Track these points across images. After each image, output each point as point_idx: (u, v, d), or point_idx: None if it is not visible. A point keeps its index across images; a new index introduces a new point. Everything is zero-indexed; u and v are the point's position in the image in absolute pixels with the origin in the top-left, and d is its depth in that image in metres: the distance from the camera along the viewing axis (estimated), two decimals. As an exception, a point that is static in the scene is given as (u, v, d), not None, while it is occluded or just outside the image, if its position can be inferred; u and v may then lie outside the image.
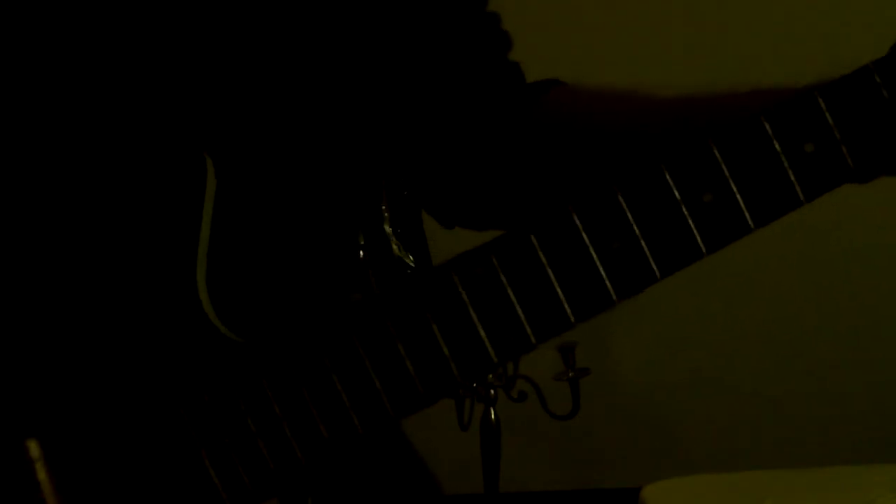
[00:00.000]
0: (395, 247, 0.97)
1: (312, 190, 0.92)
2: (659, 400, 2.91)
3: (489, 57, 1.02)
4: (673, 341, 2.89)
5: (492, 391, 2.34)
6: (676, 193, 0.76)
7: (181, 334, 0.81)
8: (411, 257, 0.96)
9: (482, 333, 0.77)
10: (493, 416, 2.36)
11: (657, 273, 0.77)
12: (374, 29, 0.95)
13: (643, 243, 0.76)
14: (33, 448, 0.81)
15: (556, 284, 0.76)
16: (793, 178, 0.76)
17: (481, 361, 0.78)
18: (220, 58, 0.89)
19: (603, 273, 0.77)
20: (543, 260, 0.76)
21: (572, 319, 0.78)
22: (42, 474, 0.80)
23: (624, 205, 0.76)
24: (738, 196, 0.76)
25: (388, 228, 0.96)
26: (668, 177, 0.75)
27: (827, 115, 0.75)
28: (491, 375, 2.32)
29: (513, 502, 2.71)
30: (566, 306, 0.77)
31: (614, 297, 0.77)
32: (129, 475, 0.80)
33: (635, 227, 0.76)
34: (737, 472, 2.20)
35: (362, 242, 0.94)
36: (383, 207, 0.97)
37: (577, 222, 0.76)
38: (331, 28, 0.93)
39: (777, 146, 0.75)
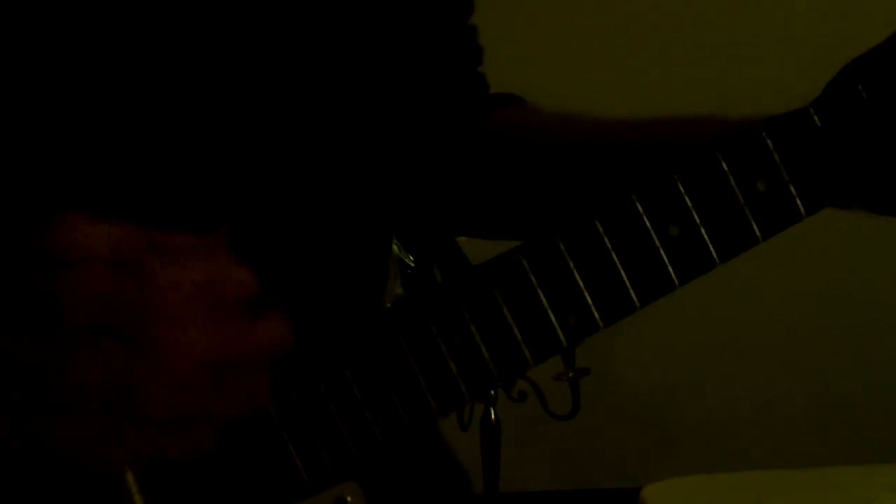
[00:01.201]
0: (395, 247, 0.97)
1: (341, 188, 0.93)
2: (659, 400, 2.92)
3: (454, 68, 1.03)
4: (673, 341, 2.89)
5: (492, 391, 2.34)
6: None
7: None
8: (411, 258, 0.97)
9: (551, 316, 0.79)
10: (493, 416, 2.36)
11: (716, 258, 0.79)
12: (351, 34, 0.96)
13: (702, 229, 0.79)
14: None
15: (620, 268, 0.78)
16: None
17: (552, 344, 0.80)
18: (232, 61, 0.90)
19: (665, 258, 0.79)
20: (608, 244, 0.78)
21: (637, 304, 0.79)
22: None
23: (684, 192, 0.78)
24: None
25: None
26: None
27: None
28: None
29: (513, 502, 2.71)
30: (630, 290, 0.79)
31: (676, 282, 0.80)
32: (214, 458, 0.80)
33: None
34: (737, 472, 2.20)
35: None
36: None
37: (640, 209, 0.79)
38: (326, 30, 0.93)
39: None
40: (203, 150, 0.87)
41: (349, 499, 0.82)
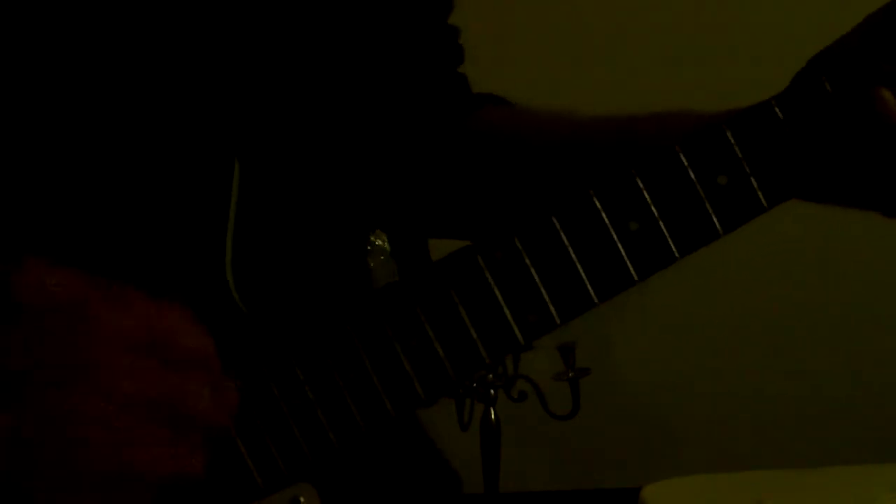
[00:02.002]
0: (378, 242, 0.97)
1: (328, 185, 0.93)
2: (659, 400, 2.91)
3: (436, 67, 1.03)
4: (673, 342, 2.88)
5: (491, 391, 2.34)
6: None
7: (214, 321, 0.81)
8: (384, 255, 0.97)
9: (508, 315, 0.79)
10: (493, 416, 2.35)
11: (676, 253, 0.78)
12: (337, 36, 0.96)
13: (661, 224, 0.79)
14: None
15: (578, 264, 0.78)
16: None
17: (508, 342, 0.80)
18: (227, 58, 0.90)
19: (623, 253, 0.79)
20: (565, 241, 0.78)
21: (595, 300, 0.78)
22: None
23: (642, 187, 0.78)
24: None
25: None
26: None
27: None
28: (491, 375, 2.32)
29: (513, 502, 2.71)
30: (588, 286, 0.78)
31: (635, 277, 0.79)
32: None
33: (653, 208, 0.78)
34: (737, 472, 2.20)
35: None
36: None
37: (598, 204, 0.79)
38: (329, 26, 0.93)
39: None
40: (182, 148, 0.87)
41: (303, 500, 0.81)
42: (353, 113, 0.95)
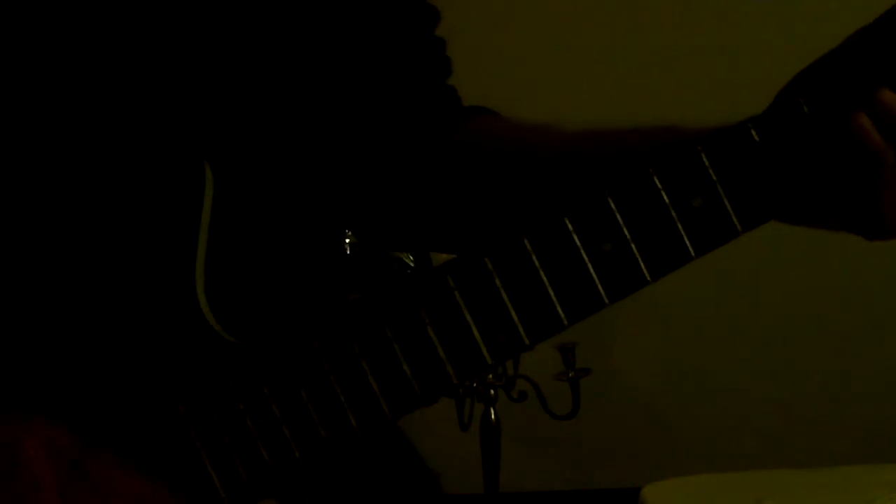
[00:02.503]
0: (405, 258, 0.97)
1: (308, 194, 0.93)
2: (659, 400, 2.92)
3: (422, 80, 1.03)
4: (673, 341, 2.89)
5: (492, 391, 2.34)
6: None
7: (179, 336, 0.81)
8: (411, 256, 0.97)
9: (476, 335, 0.78)
10: (493, 416, 2.36)
11: (647, 276, 0.78)
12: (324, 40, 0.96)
13: (633, 246, 0.78)
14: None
15: (548, 286, 0.77)
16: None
17: (476, 362, 0.79)
18: (217, 62, 0.90)
19: (594, 275, 0.78)
20: (536, 263, 0.77)
21: (565, 322, 0.78)
22: (42, 472, 0.81)
23: (614, 208, 0.78)
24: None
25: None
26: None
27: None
28: (491, 375, 2.32)
29: (513, 502, 2.71)
30: (559, 308, 0.78)
31: (606, 300, 0.78)
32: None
33: (626, 231, 0.77)
34: (737, 472, 2.20)
35: (354, 243, 0.95)
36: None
37: (569, 226, 0.78)
38: (319, 27, 0.93)
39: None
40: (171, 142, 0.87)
41: None
42: (335, 123, 0.95)
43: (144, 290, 0.82)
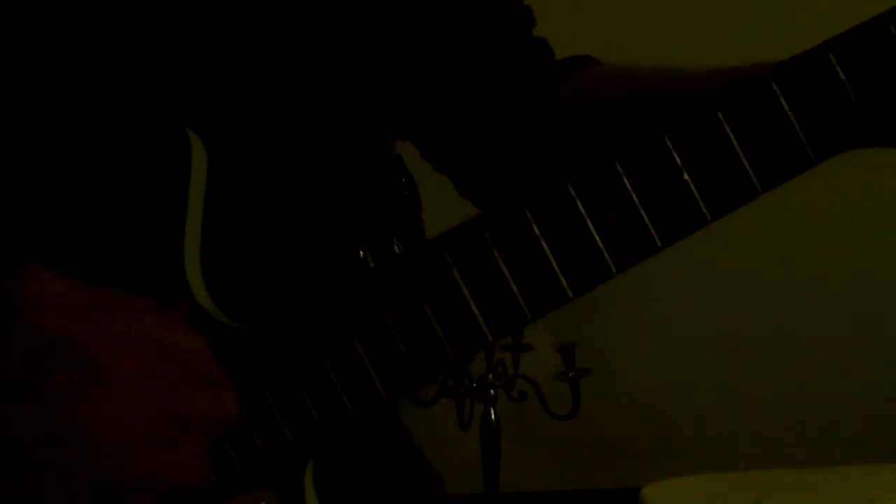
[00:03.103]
0: (395, 247, 0.96)
1: (309, 176, 0.92)
2: (659, 400, 2.91)
3: (510, 34, 1.00)
4: (673, 341, 2.89)
5: (492, 391, 2.34)
6: (678, 160, 0.73)
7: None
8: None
9: (475, 310, 0.76)
10: (493, 416, 2.36)
11: (658, 242, 0.74)
12: (385, 8, 0.94)
13: (643, 212, 0.74)
14: None
15: (550, 257, 0.75)
16: (802, 137, 0.72)
17: (475, 339, 0.77)
18: (215, 44, 0.89)
19: (600, 242, 0.74)
20: (537, 233, 0.75)
21: (570, 294, 0.76)
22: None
23: (622, 174, 0.74)
24: (744, 159, 0.73)
25: (388, 227, 0.96)
26: (668, 144, 0.73)
27: (838, 69, 0.72)
28: (491, 375, 2.32)
29: (513, 502, 2.71)
30: (562, 279, 0.76)
31: (613, 269, 0.75)
32: None
33: (634, 197, 0.74)
34: (737, 472, 2.20)
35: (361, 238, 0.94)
36: (384, 206, 0.97)
37: (573, 193, 0.74)
38: (337, 7, 0.92)
39: (786, 106, 0.72)
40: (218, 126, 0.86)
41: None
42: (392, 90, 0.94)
43: (134, 273, 0.81)
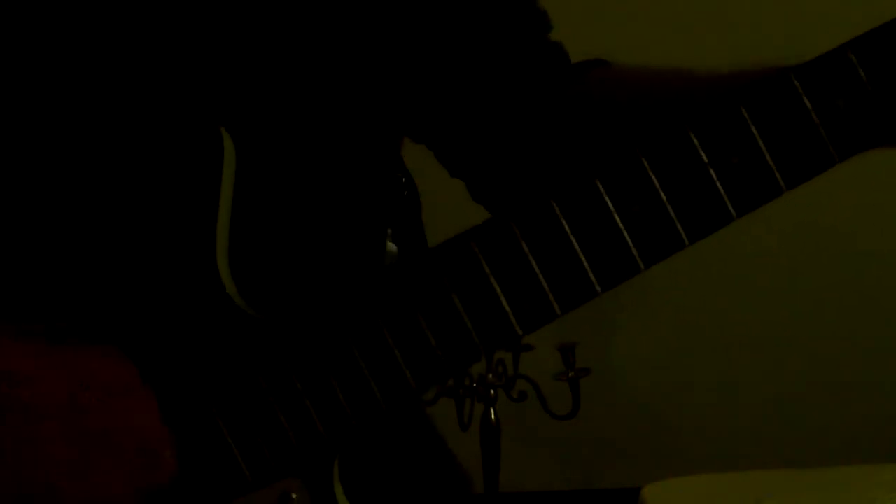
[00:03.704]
0: (389, 244, 0.97)
1: (335, 170, 0.92)
2: (659, 400, 2.91)
3: (527, 37, 1.01)
4: (673, 341, 2.88)
5: (492, 391, 2.34)
6: (703, 156, 0.73)
7: (201, 311, 0.81)
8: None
9: (504, 304, 0.77)
10: (493, 416, 2.36)
11: (685, 238, 0.75)
12: (406, 9, 0.94)
13: (669, 207, 0.75)
14: None
15: (579, 251, 0.75)
16: (824, 135, 0.73)
17: (505, 332, 0.77)
18: (239, 41, 0.89)
19: (628, 238, 0.75)
20: (566, 227, 0.75)
21: (598, 288, 0.76)
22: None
23: (648, 169, 0.74)
24: (769, 157, 0.73)
25: (388, 230, 0.96)
26: (694, 139, 0.74)
27: (859, 69, 0.73)
28: (491, 375, 2.32)
29: (513, 502, 2.71)
30: (590, 274, 0.76)
31: (641, 265, 0.75)
32: None
33: (661, 191, 0.74)
34: (737, 472, 2.20)
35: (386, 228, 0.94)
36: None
37: (600, 187, 0.75)
38: (360, 6, 0.92)
39: (808, 103, 0.73)
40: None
41: (294, 495, 0.81)
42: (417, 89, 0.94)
43: (165, 267, 0.82)
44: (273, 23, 0.89)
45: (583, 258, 0.75)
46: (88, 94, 0.86)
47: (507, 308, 0.77)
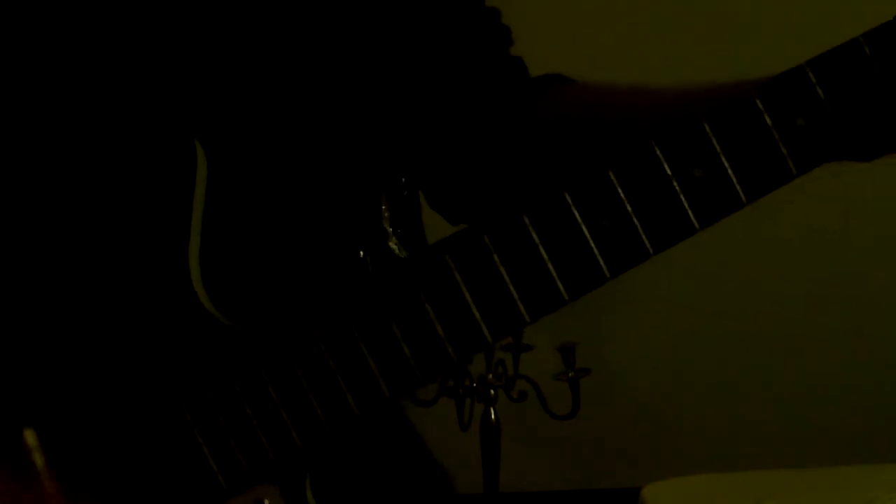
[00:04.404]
0: (394, 247, 0.97)
1: (309, 178, 0.93)
2: (659, 400, 2.91)
3: (490, 52, 1.02)
4: (673, 342, 2.89)
5: (492, 391, 2.34)
6: (667, 169, 0.76)
7: (175, 320, 0.81)
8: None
9: (476, 313, 0.78)
10: (493, 416, 2.36)
11: (650, 249, 0.77)
12: (373, 24, 0.95)
13: (635, 220, 0.77)
14: (30, 437, 0.81)
15: (548, 262, 0.77)
16: (784, 151, 0.76)
17: (476, 341, 0.78)
18: (216, 51, 0.89)
19: (595, 250, 0.77)
20: (536, 238, 0.77)
21: (566, 297, 0.78)
22: (40, 462, 0.81)
23: (615, 182, 0.76)
24: (730, 171, 0.76)
25: (388, 227, 0.96)
26: (658, 153, 0.76)
27: (817, 88, 0.76)
28: (491, 375, 2.32)
29: (513, 502, 2.71)
30: (559, 283, 0.77)
31: (607, 274, 0.77)
32: (127, 461, 0.81)
33: (627, 204, 0.77)
34: (737, 472, 2.20)
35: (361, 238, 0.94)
36: (383, 207, 0.97)
37: (569, 200, 0.77)
38: (329, 22, 0.93)
39: (768, 120, 0.76)
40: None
41: (267, 501, 0.81)
42: (383, 102, 0.95)
43: (138, 276, 0.82)
44: (246, 35, 0.90)
45: (551, 268, 0.77)
46: (63, 105, 0.86)
47: (478, 316, 0.78)
